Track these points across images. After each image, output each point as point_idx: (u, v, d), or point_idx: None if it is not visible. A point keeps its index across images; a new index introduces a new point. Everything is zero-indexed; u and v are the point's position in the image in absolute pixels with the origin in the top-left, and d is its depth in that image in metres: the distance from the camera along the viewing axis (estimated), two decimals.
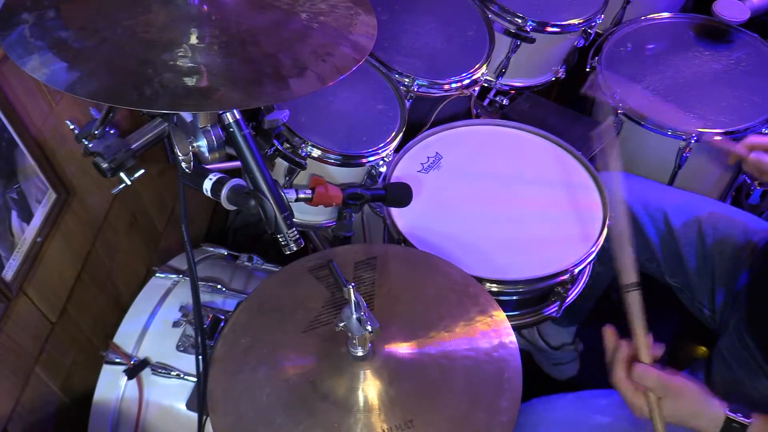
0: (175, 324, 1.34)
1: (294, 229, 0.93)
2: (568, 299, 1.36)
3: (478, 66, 1.59)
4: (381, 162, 1.37)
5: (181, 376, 1.29)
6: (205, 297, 1.39)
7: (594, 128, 1.69)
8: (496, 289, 1.24)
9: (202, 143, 0.91)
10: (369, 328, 0.90)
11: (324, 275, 1.10)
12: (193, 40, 0.82)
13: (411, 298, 1.07)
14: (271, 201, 0.91)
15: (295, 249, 0.93)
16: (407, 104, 1.47)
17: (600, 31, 1.88)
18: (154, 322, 1.35)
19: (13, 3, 0.83)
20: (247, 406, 0.94)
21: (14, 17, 0.81)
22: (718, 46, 1.81)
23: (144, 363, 1.30)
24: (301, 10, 0.91)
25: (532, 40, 1.68)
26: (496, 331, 1.02)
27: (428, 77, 1.52)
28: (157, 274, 1.44)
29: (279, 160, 1.31)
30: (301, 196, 1.10)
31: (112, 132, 0.94)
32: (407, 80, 1.50)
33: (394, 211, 1.33)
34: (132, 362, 1.30)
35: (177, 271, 1.46)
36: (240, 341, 1.02)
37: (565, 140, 1.49)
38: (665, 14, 1.90)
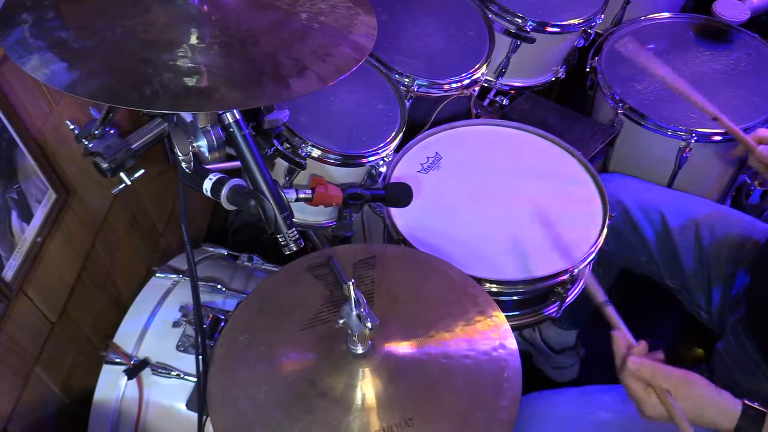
0: (175, 324, 1.34)
1: (294, 229, 0.93)
2: (567, 299, 1.36)
3: (478, 66, 1.59)
4: (381, 162, 1.37)
5: (181, 376, 1.29)
6: (205, 297, 1.39)
7: (594, 128, 1.69)
8: (495, 290, 1.25)
9: (202, 143, 0.91)
10: (369, 324, 0.90)
11: (323, 274, 1.10)
12: (193, 40, 0.82)
13: (410, 298, 1.07)
14: (271, 201, 0.91)
15: (295, 249, 0.93)
16: (407, 104, 1.47)
17: (600, 31, 1.88)
18: (154, 322, 1.36)
19: (13, 3, 0.83)
20: (245, 404, 0.94)
21: (14, 17, 0.81)
22: (718, 46, 1.81)
23: (144, 363, 1.30)
24: (301, 10, 0.91)
25: (532, 40, 1.68)
26: (496, 331, 1.02)
27: (428, 77, 1.52)
28: (157, 274, 1.44)
29: (279, 160, 1.31)
30: (301, 196, 1.10)
31: (112, 132, 0.94)
32: (407, 80, 1.50)
33: (394, 211, 1.33)
34: (132, 362, 1.30)
35: (177, 271, 1.46)
36: (238, 339, 1.02)
37: (565, 140, 1.49)
38: (665, 14, 1.90)
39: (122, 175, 0.95)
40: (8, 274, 1.12)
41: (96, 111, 0.95)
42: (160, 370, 1.29)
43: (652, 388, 0.99)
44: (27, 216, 1.16)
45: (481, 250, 1.30)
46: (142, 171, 0.99)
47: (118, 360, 1.31)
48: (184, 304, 1.37)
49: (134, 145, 0.94)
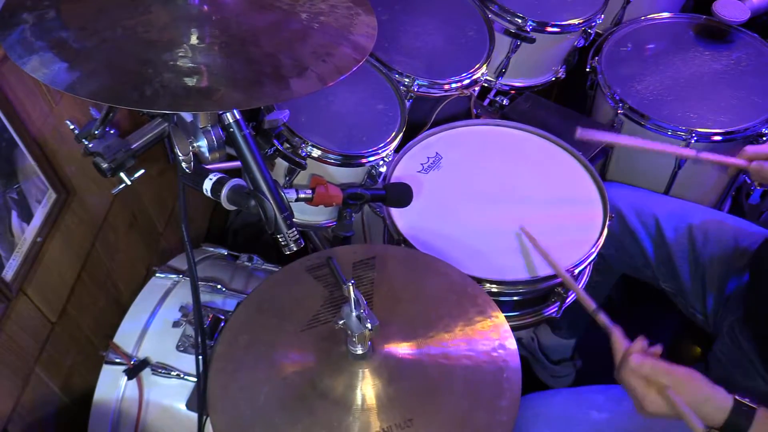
0: (175, 324, 1.34)
1: (294, 229, 0.93)
2: (567, 300, 1.36)
3: (478, 66, 1.59)
4: (381, 162, 1.37)
5: (181, 376, 1.29)
6: (205, 297, 1.39)
7: (594, 128, 1.69)
8: (496, 290, 1.25)
9: (202, 143, 0.91)
10: (368, 325, 0.90)
11: (323, 275, 1.10)
12: (194, 40, 0.82)
13: (410, 299, 1.07)
14: (271, 201, 0.91)
15: (295, 249, 0.93)
16: (407, 104, 1.47)
17: (600, 31, 1.88)
18: (154, 322, 1.36)
19: (13, 3, 0.83)
20: (245, 405, 0.94)
21: (14, 17, 0.81)
22: (718, 46, 1.81)
23: (144, 363, 1.30)
24: (301, 10, 0.91)
25: (532, 40, 1.68)
26: (495, 331, 1.02)
27: (428, 77, 1.52)
28: (157, 274, 1.44)
29: (279, 160, 1.31)
30: (301, 196, 1.10)
31: (112, 132, 0.94)
32: (407, 80, 1.50)
33: (394, 212, 1.33)
34: (132, 362, 1.30)
35: (177, 271, 1.46)
36: (238, 340, 1.02)
37: (565, 140, 1.49)
38: (665, 14, 1.90)
39: (122, 175, 0.94)
40: (8, 274, 1.12)
41: (96, 111, 0.95)
42: (160, 370, 1.29)
43: (653, 384, 1.00)
44: (27, 216, 1.16)
45: (481, 250, 1.30)
46: (142, 171, 0.99)
47: (118, 360, 1.31)
48: (184, 304, 1.37)
49: (134, 145, 0.94)
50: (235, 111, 0.90)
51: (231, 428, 0.93)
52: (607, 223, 1.34)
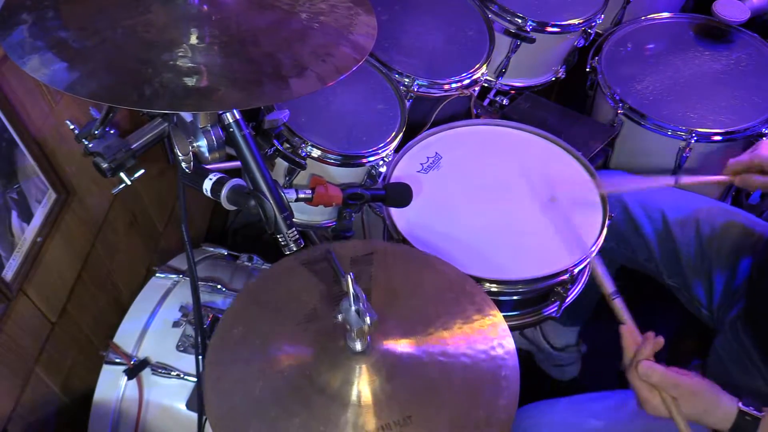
0: (175, 324, 1.35)
1: (294, 229, 0.93)
2: (567, 299, 1.36)
3: (478, 66, 1.59)
4: (381, 162, 1.37)
5: (181, 376, 1.29)
6: (205, 297, 1.39)
7: (594, 128, 1.69)
8: (495, 289, 1.25)
9: (202, 143, 0.91)
10: (367, 320, 0.89)
11: (320, 269, 1.09)
12: (193, 40, 0.82)
13: (408, 295, 1.07)
14: (271, 201, 0.91)
15: (295, 249, 0.93)
16: (407, 104, 1.47)
17: (600, 31, 1.88)
18: (154, 322, 1.36)
19: (13, 3, 0.83)
20: (240, 398, 0.93)
21: (14, 17, 0.81)
22: (718, 46, 1.81)
23: (144, 363, 1.30)
24: (301, 10, 0.91)
25: (532, 40, 1.68)
26: (494, 330, 1.02)
27: (428, 77, 1.52)
28: (157, 274, 1.44)
29: (279, 160, 1.31)
30: (301, 196, 1.10)
31: (112, 132, 0.94)
32: (407, 80, 1.50)
33: (394, 212, 1.33)
34: (132, 362, 1.30)
35: (177, 271, 1.46)
36: (232, 332, 1.01)
37: (565, 140, 1.49)
38: (665, 14, 1.90)
39: (122, 175, 0.95)
40: (8, 274, 1.12)
41: (96, 111, 0.95)
42: (160, 370, 1.29)
43: (658, 391, 1.00)
44: (27, 216, 1.16)
45: (481, 249, 1.30)
46: (142, 171, 0.99)
47: (118, 360, 1.31)
48: (184, 304, 1.37)
49: (134, 145, 0.94)
50: (235, 111, 0.90)
51: (226, 421, 0.92)
52: (607, 222, 1.34)
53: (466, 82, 1.56)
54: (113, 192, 1.00)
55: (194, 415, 1.25)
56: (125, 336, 1.35)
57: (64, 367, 1.33)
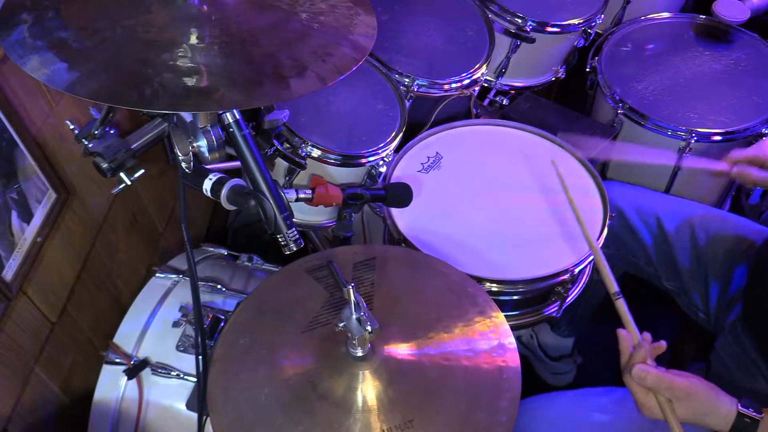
0: (175, 324, 1.34)
1: (294, 229, 0.93)
2: (568, 299, 1.36)
3: (478, 66, 1.59)
4: (381, 162, 1.37)
5: (181, 376, 1.29)
6: (205, 297, 1.39)
7: (594, 128, 1.69)
8: (496, 289, 1.25)
9: (202, 143, 0.91)
10: (369, 328, 0.90)
11: (323, 276, 1.10)
12: (193, 40, 0.82)
13: (410, 299, 1.07)
14: (271, 201, 0.91)
15: (294, 249, 0.93)
16: (407, 104, 1.47)
17: (600, 31, 1.88)
18: (154, 322, 1.35)
19: (13, 3, 0.83)
20: (246, 407, 0.94)
21: (14, 17, 0.81)
22: (718, 46, 1.81)
23: (144, 363, 1.30)
24: (301, 10, 0.91)
25: (532, 40, 1.68)
26: (495, 331, 1.02)
27: (428, 77, 1.52)
28: (157, 274, 1.44)
29: (279, 160, 1.31)
30: (301, 196, 1.10)
31: (112, 132, 0.94)
32: (407, 80, 1.50)
33: (394, 211, 1.33)
34: (132, 362, 1.30)
35: (177, 271, 1.46)
36: (239, 342, 1.02)
37: (565, 140, 1.49)
38: (665, 14, 1.90)
39: (122, 175, 0.94)
40: (8, 274, 1.12)
41: (96, 111, 0.95)
42: (160, 370, 1.29)
43: (654, 394, 1.00)
44: (27, 216, 1.16)
45: (481, 249, 1.30)
46: (142, 171, 0.99)
47: (118, 360, 1.31)
48: (184, 304, 1.37)
49: (134, 145, 0.94)
50: (235, 111, 0.90)
51: (231, 429, 0.93)
52: (608, 222, 1.34)
53: (466, 82, 1.56)
54: (113, 192, 1.00)
55: (194, 415, 1.25)
56: (125, 336, 1.34)
57: (64, 367, 1.33)
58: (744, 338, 1.29)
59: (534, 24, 1.68)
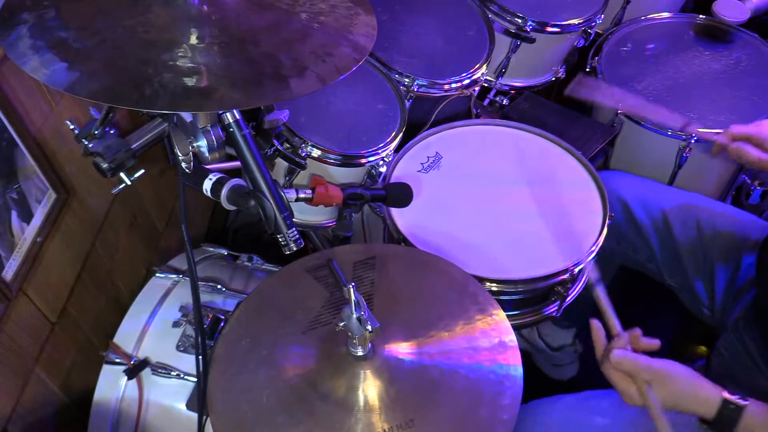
0: (175, 324, 1.34)
1: (294, 229, 0.93)
2: (568, 299, 1.36)
3: (478, 66, 1.59)
4: (381, 162, 1.37)
5: (181, 376, 1.29)
6: (205, 297, 1.39)
7: (594, 128, 1.69)
8: (496, 289, 1.25)
9: (202, 143, 0.91)
10: (369, 327, 0.90)
11: (323, 275, 1.10)
12: (193, 40, 0.82)
13: (410, 298, 1.07)
14: (271, 201, 0.91)
15: (294, 249, 0.93)
16: (407, 104, 1.47)
17: (600, 31, 1.88)
18: (154, 322, 1.36)
19: (13, 3, 0.83)
20: (247, 407, 0.94)
21: (14, 17, 0.81)
22: (718, 46, 1.81)
23: (144, 363, 1.30)
24: (301, 10, 0.91)
25: (532, 40, 1.68)
26: (496, 329, 1.02)
27: (428, 77, 1.52)
28: (157, 274, 1.44)
29: (279, 160, 1.31)
30: (301, 196, 1.10)
31: (112, 132, 0.94)
32: (407, 80, 1.50)
33: (394, 211, 1.33)
34: (132, 362, 1.30)
35: (177, 271, 1.46)
36: (240, 342, 1.02)
37: (565, 140, 1.49)
38: (665, 14, 1.90)
39: (122, 175, 0.95)
40: (8, 274, 1.12)
41: (96, 111, 0.95)
42: (160, 370, 1.29)
43: (633, 379, 1.00)
44: (27, 216, 1.16)
45: (481, 249, 1.30)
46: (142, 171, 0.99)
47: (118, 360, 1.31)
48: (184, 304, 1.37)
49: (134, 145, 0.94)
50: (235, 111, 0.90)
51: (232, 430, 0.93)
52: (607, 222, 1.34)
53: (466, 82, 1.56)
54: (113, 192, 1.00)
55: (194, 415, 1.25)
56: (125, 336, 1.34)
57: (64, 367, 1.33)
58: (746, 337, 1.29)
59: (534, 24, 1.68)
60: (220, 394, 0.96)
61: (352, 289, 0.89)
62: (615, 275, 1.71)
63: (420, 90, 1.51)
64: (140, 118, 1.22)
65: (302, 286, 1.10)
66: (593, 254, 1.30)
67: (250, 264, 1.56)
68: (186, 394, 1.28)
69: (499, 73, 1.78)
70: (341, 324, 0.91)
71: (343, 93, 1.44)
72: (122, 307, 1.41)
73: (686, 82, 1.71)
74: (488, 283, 1.24)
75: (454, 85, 1.55)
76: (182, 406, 1.28)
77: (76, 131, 0.95)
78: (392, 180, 1.39)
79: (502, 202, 1.38)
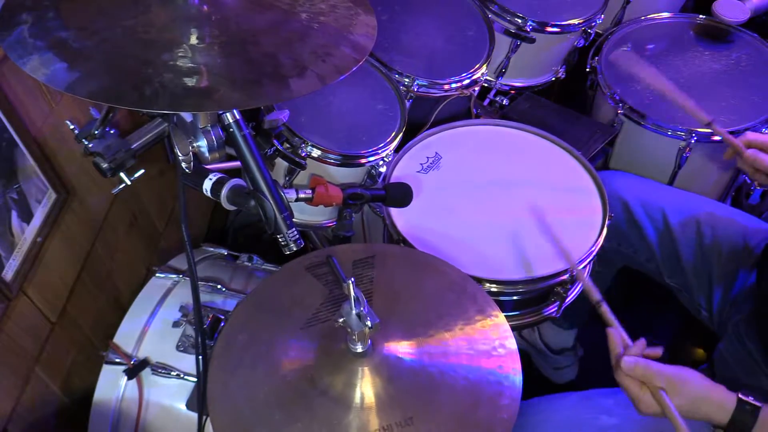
0: (175, 324, 1.35)
1: (294, 229, 0.93)
2: (567, 299, 1.36)
3: (478, 66, 1.59)
4: (381, 162, 1.37)
5: (181, 376, 1.29)
6: (205, 297, 1.39)
7: (594, 128, 1.69)
8: (495, 289, 1.25)
9: (202, 143, 0.91)
10: (368, 323, 0.89)
11: (322, 273, 1.10)
12: (193, 40, 0.82)
13: (410, 297, 1.07)
14: (271, 201, 0.91)
15: (294, 249, 0.93)
16: (407, 104, 1.47)
17: (600, 31, 1.88)
18: (154, 322, 1.36)
19: (13, 3, 0.83)
20: (245, 403, 0.94)
21: (14, 17, 0.81)
22: (718, 46, 1.81)
23: (144, 363, 1.30)
24: (301, 10, 0.91)
25: (532, 40, 1.68)
26: (495, 330, 1.02)
27: (428, 77, 1.52)
28: (157, 274, 1.44)
29: (279, 160, 1.31)
30: (301, 196, 1.10)
31: (112, 132, 0.94)
32: (407, 80, 1.50)
33: (394, 211, 1.33)
34: (132, 362, 1.30)
35: (177, 271, 1.46)
36: (237, 338, 1.02)
37: (565, 140, 1.49)
38: (665, 14, 1.90)
39: (122, 175, 0.95)
40: (8, 274, 1.12)
41: (96, 111, 0.95)
42: (160, 370, 1.29)
43: (647, 386, 0.99)
44: (27, 216, 1.16)
45: (481, 249, 1.30)
46: (142, 171, 0.99)
47: (118, 360, 1.31)
48: (184, 304, 1.37)
49: (134, 145, 0.94)
50: (235, 111, 0.90)
51: (231, 426, 0.93)
52: (607, 222, 1.34)
53: (466, 82, 1.57)
54: (113, 192, 1.00)
55: (194, 415, 1.25)
56: (125, 336, 1.35)
57: (64, 367, 1.33)
58: (747, 340, 1.29)
59: (534, 24, 1.68)
60: (219, 390, 0.96)
61: (351, 285, 0.89)
62: (615, 276, 1.71)
63: (420, 90, 1.51)
64: (140, 118, 1.22)
65: (302, 284, 1.09)
66: (591, 259, 1.30)
67: (250, 264, 1.56)
68: (186, 394, 1.28)
69: (499, 73, 1.78)
70: (340, 320, 0.91)
71: (343, 93, 1.44)
72: (122, 307, 1.41)
73: (686, 82, 1.71)
74: (488, 284, 1.24)
75: (454, 85, 1.55)
76: (182, 406, 1.28)
77: (76, 131, 0.95)
78: (392, 180, 1.39)
79: (502, 203, 1.38)
